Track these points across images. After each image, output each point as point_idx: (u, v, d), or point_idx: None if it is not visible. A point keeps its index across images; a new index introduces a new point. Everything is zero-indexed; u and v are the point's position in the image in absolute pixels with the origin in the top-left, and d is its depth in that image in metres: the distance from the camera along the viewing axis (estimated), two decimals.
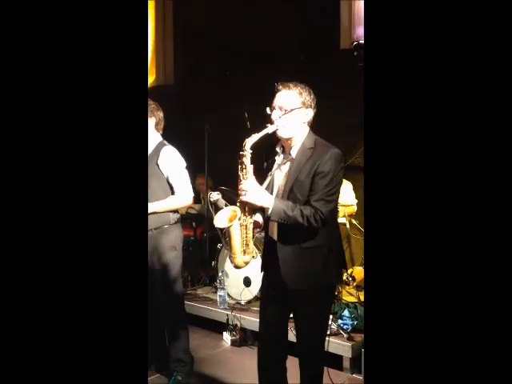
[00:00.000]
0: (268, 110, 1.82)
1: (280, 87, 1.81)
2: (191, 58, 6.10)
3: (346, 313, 2.96)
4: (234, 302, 3.34)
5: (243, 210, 1.79)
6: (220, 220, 1.81)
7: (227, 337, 3.13)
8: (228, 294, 3.36)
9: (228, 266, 3.41)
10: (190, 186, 2.48)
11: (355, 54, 3.90)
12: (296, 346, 1.96)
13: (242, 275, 3.30)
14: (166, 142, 2.52)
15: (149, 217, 2.25)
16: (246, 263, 1.83)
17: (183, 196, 2.43)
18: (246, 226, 1.81)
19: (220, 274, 3.38)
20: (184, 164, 2.48)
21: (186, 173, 2.48)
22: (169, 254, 2.42)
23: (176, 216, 2.47)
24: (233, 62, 5.30)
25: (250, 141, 1.76)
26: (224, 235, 1.96)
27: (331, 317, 2.88)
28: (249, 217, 1.81)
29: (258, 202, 1.74)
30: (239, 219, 1.78)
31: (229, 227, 1.77)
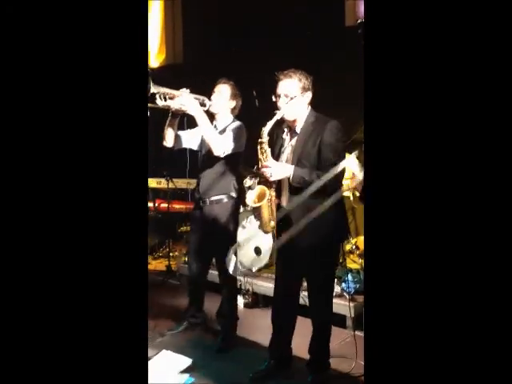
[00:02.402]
0: (273, 98, 2.07)
1: (281, 77, 2.07)
2: (199, 36, 6.19)
3: (349, 277, 3.21)
4: (246, 269, 3.61)
5: (269, 188, 2.05)
6: (252, 199, 2.10)
7: (240, 300, 3.42)
8: (240, 263, 3.63)
9: (240, 237, 3.66)
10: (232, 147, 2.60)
11: (359, 31, 4.04)
12: (309, 306, 2.25)
13: (252, 245, 3.55)
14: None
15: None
16: (273, 228, 2.11)
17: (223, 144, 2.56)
18: (271, 199, 2.10)
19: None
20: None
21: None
22: None
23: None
24: (240, 38, 5.41)
25: (266, 129, 2.04)
26: (254, 210, 2.21)
27: (336, 280, 3.16)
28: (272, 190, 2.09)
29: (283, 175, 2.03)
30: (269, 197, 2.07)
31: (260, 206, 2.07)
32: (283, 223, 2.13)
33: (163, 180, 4.42)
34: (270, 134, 2.10)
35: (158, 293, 3.75)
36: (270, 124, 2.03)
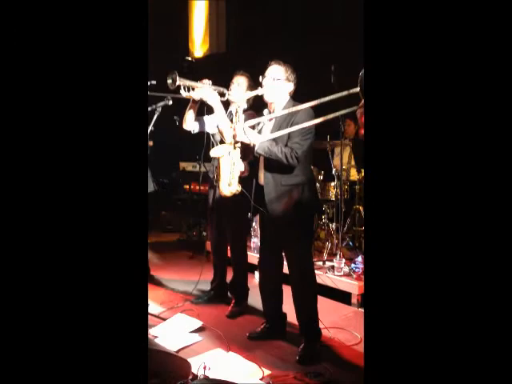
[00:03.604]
0: (260, 78, 2.36)
1: (272, 62, 2.36)
2: (243, 26, 6.40)
3: (359, 258, 3.38)
4: None
5: (234, 148, 2.32)
6: (215, 152, 2.39)
7: (257, 275, 3.68)
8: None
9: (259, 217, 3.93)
10: None
11: None
12: (288, 274, 2.47)
13: None
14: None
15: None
16: (231, 193, 2.35)
17: None
18: (234, 163, 2.33)
19: (254, 224, 3.91)
20: None
21: None
22: None
23: None
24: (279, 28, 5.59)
25: (245, 97, 2.52)
26: (217, 169, 2.52)
27: (344, 260, 3.34)
28: (237, 152, 2.32)
29: (246, 139, 2.23)
30: (229, 154, 2.32)
31: (219, 158, 2.34)
32: (258, 196, 2.42)
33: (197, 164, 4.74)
34: (253, 115, 2.40)
35: (190, 266, 4.10)
36: (248, 95, 2.45)
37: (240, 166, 2.38)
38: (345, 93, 1.84)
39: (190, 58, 6.79)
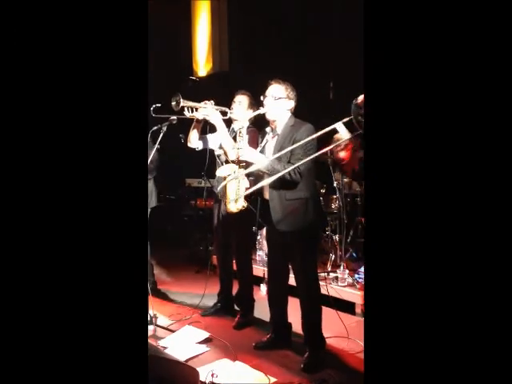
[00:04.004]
0: (262, 97, 2.48)
1: (272, 82, 2.48)
2: (245, 45, 6.57)
3: (362, 269, 3.45)
4: None
5: (239, 167, 2.47)
6: (221, 171, 2.54)
7: (263, 288, 3.76)
8: (265, 254, 3.97)
9: (265, 231, 4.02)
10: None
11: None
12: (296, 286, 2.55)
13: None
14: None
15: None
16: (238, 209, 2.51)
17: None
18: (239, 181, 2.50)
19: (258, 237, 4.00)
20: None
21: None
22: None
23: None
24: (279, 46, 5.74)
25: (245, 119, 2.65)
26: (223, 188, 2.65)
27: (347, 271, 3.42)
28: (242, 171, 2.45)
29: (251, 158, 2.38)
30: (234, 172, 2.48)
31: (225, 177, 2.49)
32: (263, 211, 2.50)
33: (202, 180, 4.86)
34: (255, 134, 2.50)
35: (197, 280, 4.18)
36: (249, 114, 2.60)
37: (245, 183, 2.50)
38: (339, 123, 1.92)
39: (194, 78, 6.98)
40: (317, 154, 2.21)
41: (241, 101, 3.06)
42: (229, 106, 3.05)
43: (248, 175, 2.48)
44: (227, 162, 2.98)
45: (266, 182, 2.21)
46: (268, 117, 2.50)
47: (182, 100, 2.80)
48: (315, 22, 5.23)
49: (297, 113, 2.58)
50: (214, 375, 2.17)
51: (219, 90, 3.16)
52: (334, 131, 1.96)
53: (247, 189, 2.50)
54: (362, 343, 2.73)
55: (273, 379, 2.33)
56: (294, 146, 2.25)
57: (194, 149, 3.14)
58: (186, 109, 2.87)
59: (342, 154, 3.64)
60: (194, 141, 3.09)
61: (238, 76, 6.49)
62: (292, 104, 2.51)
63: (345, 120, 1.84)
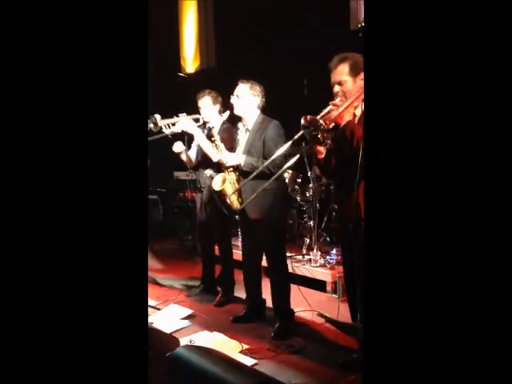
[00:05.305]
0: (231, 97, 2.77)
1: (238, 82, 2.77)
2: (231, 42, 6.80)
3: (333, 251, 3.77)
4: None
5: (227, 172, 2.75)
6: (218, 184, 2.81)
7: None
8: None
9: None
10: None
11: (360, 35, 4.50)
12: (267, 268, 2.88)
13: None
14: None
15: None
16: (241, 203, 2.79)
17: None
18: (234, 182, 2.76)
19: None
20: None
21: None
22: None
23: None
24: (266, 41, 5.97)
25: (215, 130, 2.95)
26: (222, 194, 2.90)
27: (319, 253, 3.73)
28: (232, 174, 2.76)
29: (235, 162, 2.71)
30: (225, 179, 2.77)
31: (223, 188, 2.77)
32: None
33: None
34: (230, 129, 2.80)
35: (187, 266, 4.48)
36: (218, 125, 2.96)
37: (234, 176, 2.81)
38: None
39: (182, 74, 7.25)
40: (287, 146, 2.50)
41: (204, 104, 3.34)
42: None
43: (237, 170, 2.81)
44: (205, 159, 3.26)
45: (250, 177, 2.51)
46: (236, 113, 2.80)
47: (159, 120, 3.13)
48: (298, 21, 5.49)
49: (271, 109, 2.84)
50: (192, 341, 2.48)
51: (206, 86, 3.44)
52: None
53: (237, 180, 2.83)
54: (327, 315, 3.05)
55: (246, 346, 2.64)
56: (267, 143, 2.63)
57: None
58: (163, 126, 3.19)
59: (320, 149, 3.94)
60: (191, 161, 3.45)
61: (224, 72, 6.75)
62: (257, 100, 2.77)
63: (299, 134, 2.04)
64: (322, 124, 1.82)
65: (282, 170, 2.51)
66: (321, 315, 2.73)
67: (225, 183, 2.77)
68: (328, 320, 2.79)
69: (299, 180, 4.29)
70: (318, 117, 1.87)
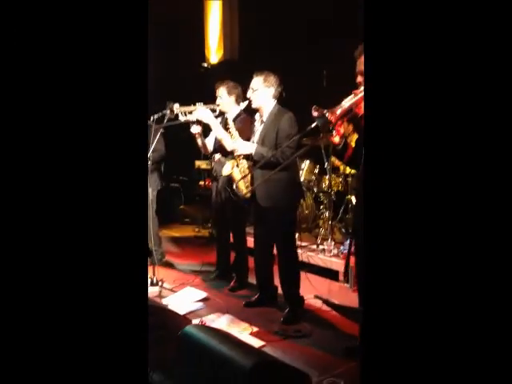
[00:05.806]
0: (248, 91, 2.85)
1: (254, 75, 2.85)
2: (255, 34, 6.84)
3: (347, 242, 3.82)
4: None
5: (238, 159, 2.84)
6: (225, 170, 2.93)
7: None
8: None
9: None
10: None
11: None
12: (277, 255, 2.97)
13: None
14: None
15: None
16: (248, 191, 2.87)
17: None
18: (244, 170, 2.85)
19: None
20: None
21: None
22: None
23: None
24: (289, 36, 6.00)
25: (230, 118, 3.11)
26: (232, 180, 3.00)
27: (333, 243, 3.79)
28: (244, 162, 2.86)
29: (247, 151, 2.79)
30: (237, 166, 2.84)
31: (231, 173, 2.87)
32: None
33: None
34: (247, 120, 2.86)
35: (204, 252, 4.62)
36: (234, 113, 3.08)
37: (245, 164, 2.90)
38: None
39: (205, 65, 7.36)
40: (296, 138, 2.58)
41: (221, 94, 3.41)
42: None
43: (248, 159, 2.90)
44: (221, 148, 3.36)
45: (257, 166, 2.63)
46: (253, 106, 2.89)
47: (175, 107, 3.23)
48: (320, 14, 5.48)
49: (290, 100, 2.91)
50: (203, 321, 2.59)
51: (228, 78, 3.52)
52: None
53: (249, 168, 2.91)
54: (326, 299, 3.15)
55: (256, 329, 2.74)
56: (280, 134, 2.72)
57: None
58: (180, 114, 3.29)
59: (336, 139, 3.99)
60: (206, 147, 3.52)
61: (246, 64, 6.80)
62: (272, 91, 2.83)
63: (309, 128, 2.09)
64: (327, 116, 1.89)
65: (288, 160, 2.60)
66: (317, 297, 2.81)
67: (233, 169, 2.86)
68: (327, 303, 2.88)
69: (316, 171, 4.34)
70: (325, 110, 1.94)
